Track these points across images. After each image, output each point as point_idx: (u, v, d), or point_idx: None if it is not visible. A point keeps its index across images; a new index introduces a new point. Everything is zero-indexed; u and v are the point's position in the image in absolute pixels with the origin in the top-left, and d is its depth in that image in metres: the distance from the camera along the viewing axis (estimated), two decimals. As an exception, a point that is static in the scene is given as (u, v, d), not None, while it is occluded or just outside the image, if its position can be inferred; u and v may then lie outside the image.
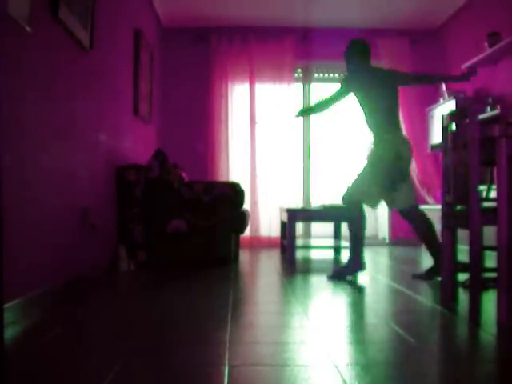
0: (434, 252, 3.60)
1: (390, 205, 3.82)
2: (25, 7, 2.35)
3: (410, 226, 3.81)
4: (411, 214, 3.73)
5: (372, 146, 3.77)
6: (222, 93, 6.26)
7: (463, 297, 2.81)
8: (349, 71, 3.85)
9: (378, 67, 3.91)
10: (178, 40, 6.30)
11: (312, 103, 4.05)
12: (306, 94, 6.49)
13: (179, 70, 6.29)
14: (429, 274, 3.57)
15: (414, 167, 6.10)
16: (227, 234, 4.19)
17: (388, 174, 3.59)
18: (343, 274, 3.63)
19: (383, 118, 3.68)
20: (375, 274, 3.98)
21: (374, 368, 1.71)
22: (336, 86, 3.90)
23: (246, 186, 5.56)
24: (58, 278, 2.83)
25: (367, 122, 3.76)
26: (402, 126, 6.10)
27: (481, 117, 4.38)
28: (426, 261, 4.87)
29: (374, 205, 3.77)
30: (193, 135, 6.25)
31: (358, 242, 3.69)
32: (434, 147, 5.81)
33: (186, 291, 3.11)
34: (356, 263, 3.66)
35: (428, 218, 3.75)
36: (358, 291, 3.20)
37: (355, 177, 3.73)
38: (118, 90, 4.26)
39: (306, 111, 4.20)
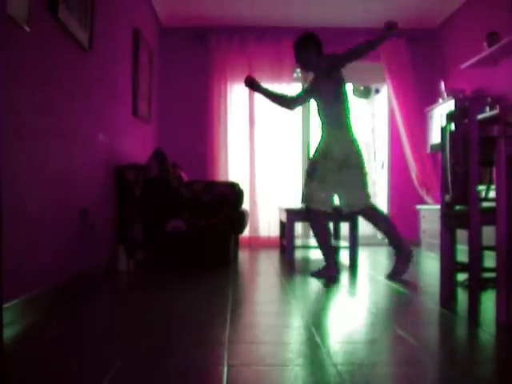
0: (397, 248, 3.65)
1: (344, 207, 3.74)
2: (24, 7, 2.34)
3: (371, 224, 3.84)
4: (368, 213, 3.74)
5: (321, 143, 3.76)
6: (220, 93, 6.26)
7: (462, 297, 2.81)
8: (304, 65, 3.83)
9: (327, 57, 3.80)
10: (176, 40, 6.30)
11: (277, 92, 4.06)
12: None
13: (178, 69, 6.29)
14: (393, 275, 3.59)
15: (413, 167, 6.11)
16: (226, 234, 4.19)
17: (332, 170, 3.61)
18: (321, 275, 3.63)
19: (334, 115, 3.68)
20: (374, 273, 3.98)
21: (373, 368, 1.71)
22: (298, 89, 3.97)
23: (245, 186, 5.55)
24: (57, 278, 2.83)
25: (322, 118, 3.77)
26: (400, 125, 6.14)
27: (480, 117, 4.39)
28: (424, 260, 4.87)
29: (327, 207, 3.70)
30: (192, 135, 6.25)
31: (324, 249, 3.70)
32: (433, 147, 5.81)
33: (184, 291, 3.11)
34: (329, 268, 3.65)
35: (385, 215, 3.81)
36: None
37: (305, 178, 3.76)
38: (117, 90, 4.26)
39: (264, 90, 3.98)
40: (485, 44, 4.63)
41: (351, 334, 2.18)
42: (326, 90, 3.70)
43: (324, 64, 3.70)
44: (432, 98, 5.94)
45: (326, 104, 3.71)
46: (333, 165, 3.61)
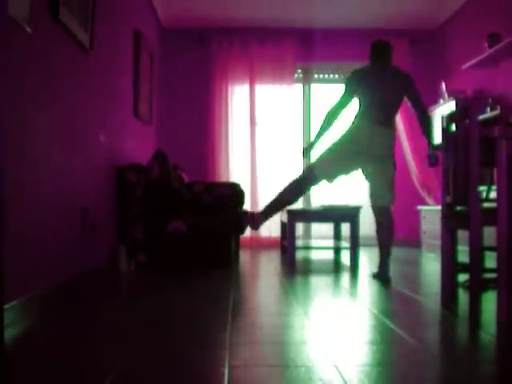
0: (385, 255, 3.71)
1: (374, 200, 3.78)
2: (25, 8, 2.35)
3: (377, 222, 3.82)
4: (384, 212, 3.74)
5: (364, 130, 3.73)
6: (222, 94, 6.26)
7: (463, 297, 2.81)
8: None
9: (400, 71, 3.94)
10: (178, 41, 6.30)
11: (317, 129, 3.96)
12: (306, 95, 6.50)
13: (179, 70, 6.29)
14: (376, 275, 3.69)
15: (413, 168, 6.11)
16: (227, 235, 4.19)
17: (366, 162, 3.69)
18: None
19: (385, 112, 3.74)
20: (375, 274, 3.98)
21: (374, 368, 1.71)
22: (338, 92, 3.84)
23: (246, 187, 5.56)
24: (58, 279, 2.83)
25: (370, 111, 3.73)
26: (401, 126, 6.15)
27: (481, 117, 4.39)
28: (425, 261, 4.87)
29: (330, 179, 3.77)
30: (193, 136, 6.25)
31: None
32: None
33: (186, 292, 3.11)
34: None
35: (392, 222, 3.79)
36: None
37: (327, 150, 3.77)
38: (118, 91, 4.26)
39: (312, 144, 3.91)
40: (486, 45, 4.63)
41: (352, 335, 2.18)
42: (394, 91, 3.82)
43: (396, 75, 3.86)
44: (433, 99, 5.93)
45: (385, 101, 3.75)
46: (363, 154, 3.66)
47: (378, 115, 3.68)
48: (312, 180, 3.74)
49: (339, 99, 3.78)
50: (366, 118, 3.70)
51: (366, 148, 3.61)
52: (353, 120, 3.77)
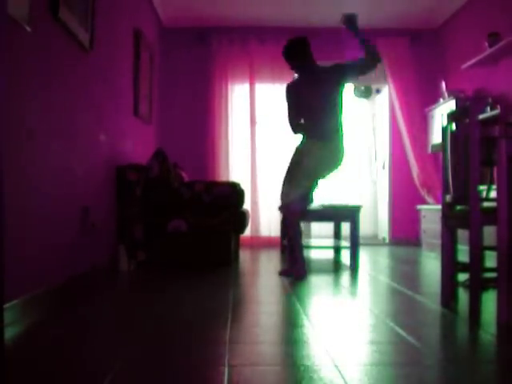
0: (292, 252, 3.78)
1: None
2: (24, 7, 2.35)
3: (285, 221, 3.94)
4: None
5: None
6: (222, 93, 6.27)
7: (463, 297, 2.81)
8: (295, 69, 4.00)
9: (322, 66, 3.91)
10: (178, 40, 6.30)
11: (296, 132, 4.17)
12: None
13: (179, 70, 6.29)
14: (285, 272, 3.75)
15: (414, 167, 6.11)
16: (227, 234, 4.19)
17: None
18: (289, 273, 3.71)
19: (328, 120, 3.82)
20: (375, 273, 3.98)
21: (375, 368, 1.71)
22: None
23: (246, 186, 5.56)
24: (58, 278, 2.83)
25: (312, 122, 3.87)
26: (401, 125, 6.15)
27: (481, 117, 4.38)
28: (425, 260, 4.87)
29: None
30: (193, 135, 6.25)
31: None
32: (434, 147, 5.81)
33: (185, 291, 3.11)
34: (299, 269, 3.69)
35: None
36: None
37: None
38: (118, 90, 4.26)
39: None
40: (486, 44, 4.63)
41: (352, 334, 2.18)
42: (326, 92, 3.80)
43: (324, 71, 3.81)
44: (433, 98, 5.94)
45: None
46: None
47: (322, 129, 3.82)
48: (295, 212, 3.89)
49: (288, 113, 4.02)
50: (311, 137, 3.93)
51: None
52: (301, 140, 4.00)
